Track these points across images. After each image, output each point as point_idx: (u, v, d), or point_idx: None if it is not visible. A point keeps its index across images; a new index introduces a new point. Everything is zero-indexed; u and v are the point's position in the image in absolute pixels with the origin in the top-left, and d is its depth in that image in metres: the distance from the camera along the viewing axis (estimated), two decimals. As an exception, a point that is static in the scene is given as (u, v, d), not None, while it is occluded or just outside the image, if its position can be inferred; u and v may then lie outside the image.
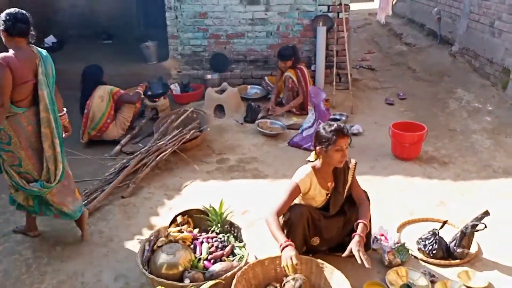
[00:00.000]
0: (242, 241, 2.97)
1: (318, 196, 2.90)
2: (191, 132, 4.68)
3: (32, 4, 7.96)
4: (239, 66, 6.50)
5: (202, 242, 2.96)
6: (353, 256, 2.61)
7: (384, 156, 4.54)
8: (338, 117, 5.42)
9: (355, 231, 2.74)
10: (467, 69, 7.00)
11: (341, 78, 6.30)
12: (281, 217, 2.81)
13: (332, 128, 2.73)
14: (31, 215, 3.28)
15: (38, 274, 3.00)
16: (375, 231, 3.15)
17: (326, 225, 2.89)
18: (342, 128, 2.75)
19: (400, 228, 3.38)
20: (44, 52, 3.02)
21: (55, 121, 3.00)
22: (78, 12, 8.74)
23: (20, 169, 2.97)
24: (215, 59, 6.42)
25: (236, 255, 2.89)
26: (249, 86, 6.30)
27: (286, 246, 2.56)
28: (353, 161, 2.96)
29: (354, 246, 2.63)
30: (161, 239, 2.92)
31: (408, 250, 3.03)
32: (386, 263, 2.94)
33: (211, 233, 3.08)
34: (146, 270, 2.69)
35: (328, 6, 6.12)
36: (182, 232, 3.03)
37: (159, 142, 4.46)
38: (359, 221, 2.78)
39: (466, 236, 3.00)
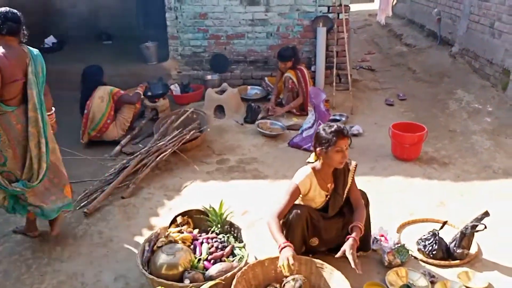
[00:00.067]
0: (242, 242, 2.97)
1: (318, 197, 2.90)
2: (191, 132, 4.68)
3: (32, 4, 7.99)
4: (239, 66, 6.51)
5: (202, 243, 2.97)
6: (347, 257, 2.61)
7: (384, 156, 4.54)
8: (338, 117, 5.42)
9: (350, 234, 2.75)
10: (467, 70, 7.01)
11: (341, 78, 6.30)
12: (280, 217, 2.81)
13: (332, 129, 2.73)
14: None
15: (38, 274, 3.00)
16: (375, 232, 3.15)
17: (325, 226, 2.89)
18: (342, 129, 2.75)
19: (400, 229, 3.38)
20: (35, 51, 3.03)
21: (43, 121, 3.00)
22: (78, 13, 8.75)
23: (4, 168, 2.95)
24: (215, 60, 6.43)
25: (236, 256, 2.89)
26: (249, 87, 6.30)
27: (285, 247, 2.58)
28: (353, 163, 2.95)
29: (347, 248, 2.63)
30: (161, 239, 2.92)
31: (408, 250, 3.03)
32: (386, 263, 2.94)
33: (211, 233, 3.08)
34: (146, 270, 2.69)
35: (328, 7, 6.12)
36: (182, 232, 3.03)
37: (159, 143, 4.46)
38: (354, 224, 2.78)
39: (466, 236, 3.00)
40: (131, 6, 8.91)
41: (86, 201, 3.76)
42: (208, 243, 2.96)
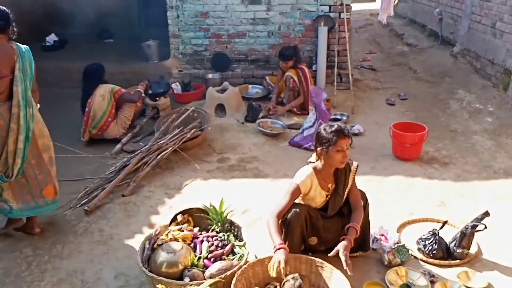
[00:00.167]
0: (242, 240, 2.97)
1: (318, 197, 2.90)
2: (192, 131, 4.68)
3: (34, 3, 7.99)
4: (240, 65, 6.51)
5: (202, 241, 2.97)
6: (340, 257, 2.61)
7: (385, 156, 4.54)
8: (339, 117, 5.42)
9: (346, 234, 2.76)
10: (468, 70, 7.00)
11: (342, 78, 6.30)
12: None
13: (333, 128, 2.73)
14: None
15: (38, 272, 3.00)
16: (375, 231, 3.15)
17: (324, 225, 2.89)
18: (343, 128, 2.75)
19: (400, 228, 3.38)
20: (23, 48, 3.04)
21: (25, 118, 3.00)
22: (79, 11, 8.74)
23: None
24: (216, 59, 6.43)
25: (236, 254, 2.89)
26: (250, 86, 6.30)
27: (279, 248, 2.58)
28: (355, 163, 2.95)
29: (341, 249, 2.64)
30: (161, 237, 2.93)
31: (408, 250, 3.03)
32: (386, 263, 2.95)
33: (211, 232, 3.08)
34: (146, 268, 2.69)
35: (330, 6, 6.12)
36: (182, 230, 3.03)
37: (160, 141, 4.46)
38: (350, 225, 2.79)
39: (466, 236, 3.00)
40: (132, 4, 8.92)
41: (86, 199, 3.77)
42: (208, 241, 2.97)
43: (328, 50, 6.13)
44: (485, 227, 2.99)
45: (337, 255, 2.64)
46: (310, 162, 2.91)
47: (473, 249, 3.06)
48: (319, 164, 2.85)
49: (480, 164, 4.37)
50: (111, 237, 3.36)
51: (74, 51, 7.55)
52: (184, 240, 2.92)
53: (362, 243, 3.02)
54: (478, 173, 4.22)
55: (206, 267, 2.76)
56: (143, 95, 5.37)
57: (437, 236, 3.05)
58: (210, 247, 2.91)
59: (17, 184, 3.14)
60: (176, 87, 6.13)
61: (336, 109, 5.73)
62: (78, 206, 3.70)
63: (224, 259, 2.81)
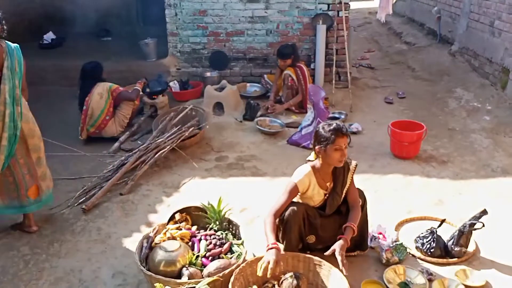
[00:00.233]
0: (240, 239, 2.97)
1: (316, 196, 2.90)
2: (190, 129, 4.67)
3: (31, 1, 7.97)
4: (238, 64, 6.50)
5: (200, 240, 2.96)
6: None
7: (383, 154, 4.54)
8: (337, 115, 5.42)
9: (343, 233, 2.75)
10: (467, 68, 7.00)
11: (340, 76, 6.30)
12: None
13: (331, 127, 2.72)
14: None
15: (35, 270, 2.99)
16: (373, 229, 3.15)
17: (322, 224, 2.89)
18: (341, 127, 2.74)
19: (398, 227, 3.39)
20: (13, 46, 3.04)
21: (11, 116, 2.99)
22: (77, 9, 8.71)
23: None
24: (215, 57, 6.42)
25: (234, 253, 2.89)
26: (248, 84, 6.29)
27: (271, 248, 2.56)
28: (353, 163, 2.94)
29: (337, 248, 2.63)
30: (159, 236, 2.93)
31: (406, 248, 3.03)
32: (384, 261, 2.95)
33: (209, 230, 3.08)
34: (144, 267, 2.69)
35: (328, 5, 6.11)
36: (181, 229, 3.03)
37: (158, 140, 4.46)
38: (347, 224, 2.79)
39: (464, 234, 3.01)
40: (130, 2, 8.89)
41: (84, 198, 3.76)
42: (206, 240, 2.96)
43: (326, 48, 6.12)
44: (483, 226, 3.00)
45: (333, 254, 2.63)
46: (309, 160, 2.90)
47: (471, 247, 3.07)
48: (317, 162, 2.85)
49: (478, 163, 4.38)
50: (109, 235, 3.36)
51: (72, 49, 7.52)
52: (182, 239, 2.92)
53: (360, 242, 3.02)
54: (476, 171, 4.22)
55: (204, 265, 2.76)
56: (141, 93, 5.36)
57: (435, 235, 3.05)
58: (208, 245, 2.91)
59: (4, 182, 3.13)
60: (174, 85, 6.11)
61: (334, 107, 5.72)
62: (75, 204, 3.69)
63: (222, 258, 2.81)
